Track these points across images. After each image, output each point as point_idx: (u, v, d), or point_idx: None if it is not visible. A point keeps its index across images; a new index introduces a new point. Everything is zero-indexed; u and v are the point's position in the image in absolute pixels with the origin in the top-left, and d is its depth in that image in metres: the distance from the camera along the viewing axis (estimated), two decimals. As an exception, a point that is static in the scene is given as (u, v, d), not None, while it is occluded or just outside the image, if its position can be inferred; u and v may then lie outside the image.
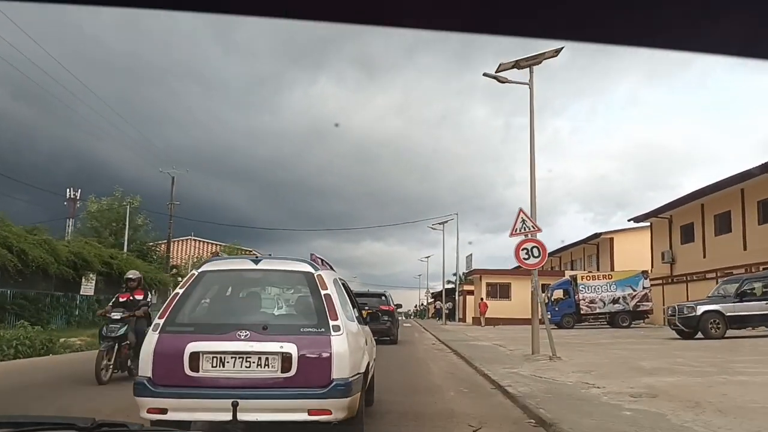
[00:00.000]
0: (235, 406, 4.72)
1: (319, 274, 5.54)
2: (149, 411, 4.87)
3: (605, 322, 32.34)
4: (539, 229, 14.51)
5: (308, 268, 5.64)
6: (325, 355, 4.97)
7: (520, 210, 14.65)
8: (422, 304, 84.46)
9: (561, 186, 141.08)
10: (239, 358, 4.95)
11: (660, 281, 34.72)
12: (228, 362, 4.94)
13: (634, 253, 41.19)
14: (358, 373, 5.33)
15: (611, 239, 46.62)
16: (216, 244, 72.11)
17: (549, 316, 32.53)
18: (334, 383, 4.89)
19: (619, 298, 31.81)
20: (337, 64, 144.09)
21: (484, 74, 15.77)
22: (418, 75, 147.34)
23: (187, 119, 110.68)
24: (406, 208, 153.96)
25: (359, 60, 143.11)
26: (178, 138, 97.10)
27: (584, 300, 31.93)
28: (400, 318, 28.34)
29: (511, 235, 14.63)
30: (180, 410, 4.87)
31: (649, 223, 40.54)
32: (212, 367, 4.92)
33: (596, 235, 46.79)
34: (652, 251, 39.91)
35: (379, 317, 19.40)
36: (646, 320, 33.07)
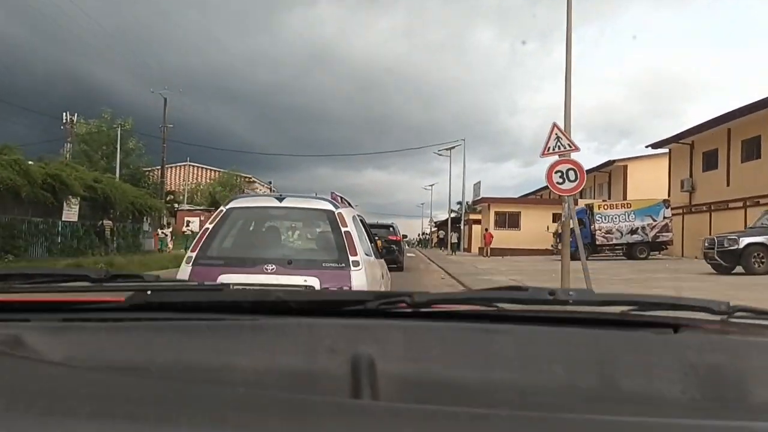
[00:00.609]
0: None
1: (340, 212, 5.77)
2: None
3: (621, 254, 30.31)
4: (576, 148, 12.14)
5: (329, 206, 5.86)
6: (345, 288, 5.17)
7: (554, 125, 12.22)
8: (425, 234, 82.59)
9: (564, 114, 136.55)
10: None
11: (680, 211, 32.52)
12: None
13: (649, 182, 38.76)
14: None
15: (625, 167, 44.11)
16: (214, 170, 69.79)
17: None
18: None
19: (637, 228, 29.65)
20: None
21: None
22: None
23: (183, 42, 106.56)
24: (409, 136, 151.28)
25: None
26: (175, 61, 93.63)
27: (600, 230, 29.78)
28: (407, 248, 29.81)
29: (543, 154, 12.26)
30: None
31: (667, 150, 37.95)
32: None
33: (609, 163, 44.29)
34: (670, 179, 37.43)
35: (394, 250, 19.41)
36: (663, 251, 31.04)
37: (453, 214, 75.00)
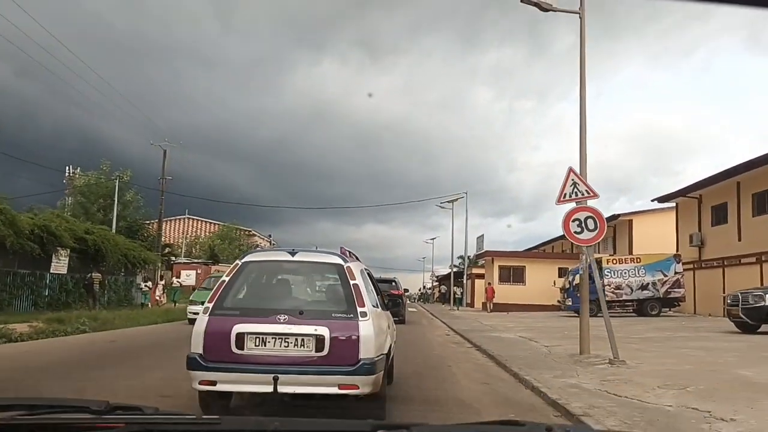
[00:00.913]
0: (275, 380, 5.41)
1: (348, 266, 6.13)
2: (201, 383, 5.60)
3: (631, 310, 29.04)
4: (595, 194, 11.17)
5: (338, 260, 6.25)
6: (353, 337, 5.60)
7: (570, 170, 11.31)
8: (426, 288, 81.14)
9: (564, 171, 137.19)
10: (279, 338, 5.61)
11: (690, 266, 31.38)
12: (269, 342, 5.61)
13: (656, 237, 37.79)
14: (382, 354, 5.92)
15: (630, 221, 43.19)
16: (213, 223, 68.98)
17: (570, 303, 29.33)
18: (362, 362, 5.52)
19: (648, 283, 28.46)
20: (339, 45, 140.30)
21: (523, 1, 12.31)
22: (420, 58, 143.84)
23: (188, 100, 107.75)
24: (409, 192, 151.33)
25: (362, 41, 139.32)
26: (180, 118, 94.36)
27: (609, 285, 28.56)
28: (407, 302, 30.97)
29: (559, 201, 11.29)
30: (227, 382, 5.61)
31: (674, 204, 37.12)
32: (255, 346, 5.59)
33: (614, 217, 43.32)
34: (678, 234, 36.44)
35: (399, 304, 20.78)
36: (674, 308, 29.74)
37: (455, 269, 73.74)
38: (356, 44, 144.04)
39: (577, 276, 30.16)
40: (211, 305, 5.82)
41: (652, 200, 38.27)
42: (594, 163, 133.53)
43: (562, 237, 53.09)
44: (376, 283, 7.74)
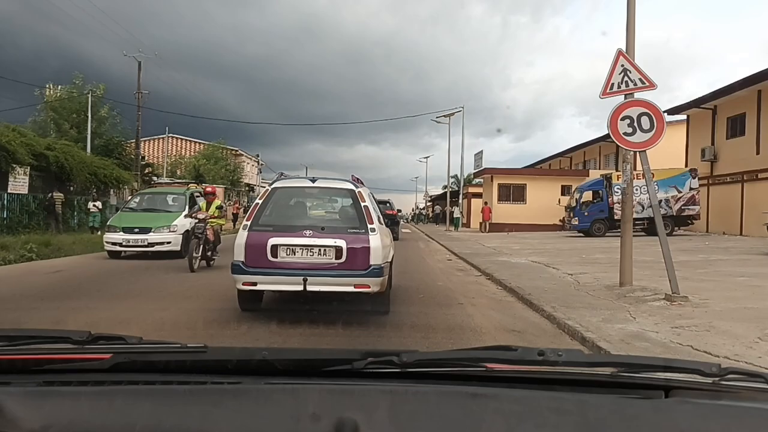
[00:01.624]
0: (305, 280, 6.67)
1: (359, 191, 7.42)
2: (244, 284, 6.88)
3: (640, 229, 26.88)
4: (651, 84, 8.61)
5: (351, 186, 7.54)
6: (365, 247, 6.80)
7: (619, 53, 8.71)
8: (419, 209, 78.81)
9: (558, 88, 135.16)
10: (305, 249, 6.81)
11: (703, 182, 29.11)
12: (297, 252, 6.81)
13: (662, 152, 34.66)
14: (387, 262, 7.18)
15: (635, 136, 40.63)
16: (197, 143, 65.80)
17: (577, 222, 27.16)
18: (372, 267, 6.77)
19: (661, 200, 26.16)
20: None
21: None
22: None
23: (172, 15, 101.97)
24: (400, 111, 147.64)
25: None
26: (164, 35, 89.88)
27: (619, 203, 26.32)
28: (401, 223, 33.24)
29: (604, 94, 8.75)
30: (265, 284, 6.93)
31: (684, 117, 34.48)
32: (287, 255, 6.80)
33: (618, 132, 40.76)
34: (688, 148, 34.01)
35: (398, 222, 23.59)
36: (685, 227, 27.64)
37: (450, 188, 71.36)
38: None
39: (585, 194, 27.94)
40: (249, 222, 6.99)
41: (663, 112, 35.52)
42: (586, 80, 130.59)
43: (563, 153, 50.54)
44: (377, 206, 8.47)
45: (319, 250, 6.79)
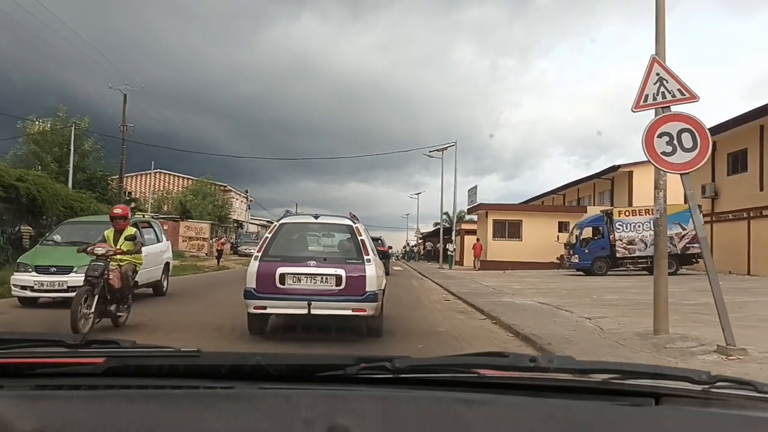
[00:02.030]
0: (309, 305, 7.49)
1: (356, 226, 8.30)
2: (255, 308, 7.68)
3: (643, 268, 25.53)
4: (692, 96, 7.32)
5: (349, 222, 8.42)
6: (362, 276, 7.66)
7: (653, 60, 7.44)
8: (410, 246, 77.12)
9: (546, 129, 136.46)
10: (310, 277, 7.66)
11: (706, 219, 27.90)
12: (303, 280, 7.66)
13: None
14: (380, 289, 8.02)
15: (630, 173, 39.53)
16: (185, 178, 64.33)
17: (577, 260, 25.75)
18: (368, 293, 7.63)
19: (664, 238, 24.96)
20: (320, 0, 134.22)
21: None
22: (403, 13, 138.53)
23: (165, 53, 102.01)
24: (391, 149, 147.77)
25: None
26: (157, 72, 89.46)
27: (621, 240, 25.03)
28: (393, 260, 34.71)
29: (637, 107, 7.45)
30: (274, 308, 7.72)
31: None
32: (293, 282, 7.65)
33: (612, 168, 39.74)
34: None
35: (389, 256, 24.91)
36: (688, 266, 26.30)
37: (438, 226, 69.94)
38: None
39: (585, 230, 26.66)
40: (259, 254, 7.88)
41: (707, 129, 34.59)
42: (573, 121, 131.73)
43: (556, 191, 49.48)
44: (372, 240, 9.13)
45: (322, 278, 7.68)
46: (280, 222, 8.50)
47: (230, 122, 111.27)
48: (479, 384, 1.33)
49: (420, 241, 63.04)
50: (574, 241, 26.16)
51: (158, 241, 14.48)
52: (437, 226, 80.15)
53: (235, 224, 67.99)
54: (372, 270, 7.75)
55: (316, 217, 8.61)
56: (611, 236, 25.14)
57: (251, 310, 7.73)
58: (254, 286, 7.66)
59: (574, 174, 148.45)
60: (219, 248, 31.14)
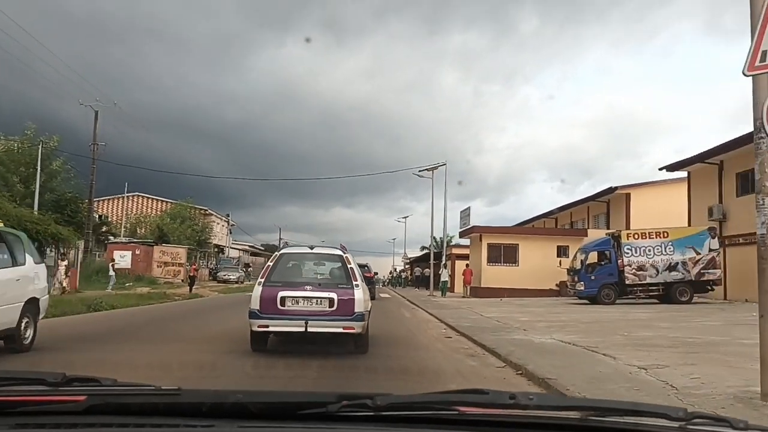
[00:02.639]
0: (306, 323, 8.46)
1: (346, 256, 9.34)
2: (259, 326, 8.61)
3: (655, 296, 23.20)
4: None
5: (340, 252, 9.49)
6: (351, 299, 8.65)
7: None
8: (397, 271, 74.35)
9: (530, 154, 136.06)
10: (306, 299, 8.65)
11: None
12: (300, 302, 8.64)
13: (658, 212, 32.10)
14: (367, 311, 9.04)
15: (627, 195, 37.65)
16: (164, 202, 61.46)
17: (583, 287, 23.35)
18: (356, 314, 8.60)
19: (677, 263, 22.63)
20: (305, 26, 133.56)
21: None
22: (387, 40, 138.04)
23: (150, 79, 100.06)
24: (375, 175, 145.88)
25: (327, 23, 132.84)
26: (142, 98, 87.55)
27: (630, 266, 22.72)
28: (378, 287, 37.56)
29: (751, 69, 5.12)
30: (275, 326, 8.65)
31: (685, 174, 31.57)
32: (292, 304, 8.61)
33: (609, 190, 37.79)
34: (690, 206, 30.88)
35: (373, 282, 25.45)
36: (703, 293, 24.00)
37: (426, 250, 67.15)
38: (322, 25, 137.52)
39: (591, 254, 24.39)
40: (263, 280, 8.90)
41: (660, 169, 32.47)
42: (558, 146, 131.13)
43: (547, 214, 47.28)
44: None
45: (317, 300, 8.61)
46: (281, 252, 10.00)
47: (216, 147, 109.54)
48: (459, 421, 1.33)
49: (407, 266, 60.36)
50: (578, 266, 23.84)
51: (15, 263, 8.93)
52: (424, 251, 77.46)
53: (216, 249, 65.18)
54: (360, 294, 8.74)
55: (312, 248, 9.98)
56: (619, 261, 22.85)
57: (255, 329, 8.66)
58: (258, 307, 8.59)
59: (558, 199, 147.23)
60: (191, 274, 28.46)
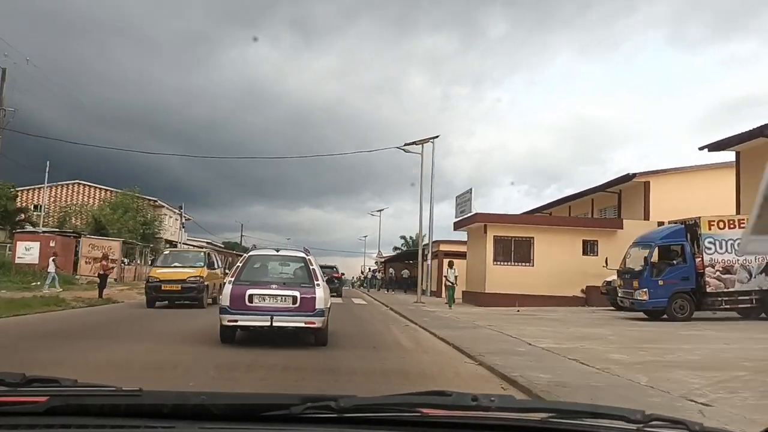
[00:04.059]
0: (271, 318, 9.18)
1: (309, 258, 10.12)
2: (228, 321, 9.27)
3: (745, 308, 16.05)
4: None
5: (303, 255, 10.30)
6: (312, 297, 9.32)
7: None
8: (371, 272, 65.75)
9: (498, 158, 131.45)
10: (272, 297, 9.33)
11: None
12: (266, 299, 9.30)
13: (685, 202, 25.16)
14: (327, 308, 9.74)
15: (646, 183, 30.61)
16: (108, 191, 52.70)
17: (646, 297, 15.71)
18: (317, 310, 9.29)
19: (763, 269, 15.71)
20: (273, 25, 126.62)
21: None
22: (356, 41, 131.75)
23: (117, 76, 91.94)
24: (344, 174, 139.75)
25: (296, 22, 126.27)
26: (108, 95, 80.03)
27: (713, 266, 15.70)
28: (348, 288, 42.41)
29: None
30: (244, 321, 9.30)
31: (733, 155, 24.65)
32: (259, 301, 9.28)
33: (626, 178, 30.64)
34: (740, 193, 24.02)
35: (334, 281, 25.43)
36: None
37: (401, 251, 59.57)
38: (290, 25, 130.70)
39: (655, 250, 17.36)
40: (233, 279, 9.60)
41: (701, 148, 25.52)
42: (525, 151, 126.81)
43: (544, 208, 40.35)
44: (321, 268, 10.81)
45: (282, 297, 9.36)
46: (249, 254, 10.63)
47: (182, 146, 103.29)
48: (422, 423, 1.31)
49: (381, 265, 52.27)
50: (631, 265, 16.73)
51: None
52: (397, 251, 69.68)
53: (168, 245, 56.88)
54: (321, 292, 9.46)
55: (278, 250, 11.14)
56: (697, 260, 15.79)
57: (225, 323, 9.31)
58: (228, 304, 9.25)
59: (526, 203, 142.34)
60: (102, 272, 20.59)
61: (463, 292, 25.46)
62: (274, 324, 9.09)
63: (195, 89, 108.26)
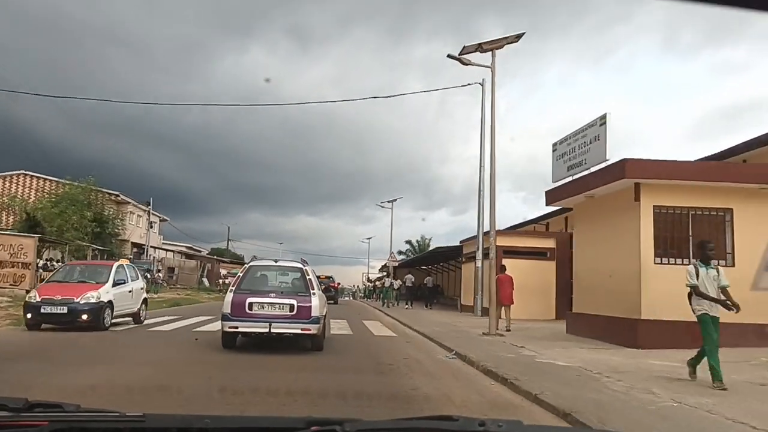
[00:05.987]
0: (270, 325, 9.36)
1: (306, 268, 10.35)
2: (229, 327, 9.53)
3: None
4: None
5: (300, 265, 10.52)
6: (308, 305, 9.55)
7: None
8: (372, 281, 53.72)
9: (497, 164, 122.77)
10: (271, 305, 9.50)
11: None
12: (265, 307, 9.48)
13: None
14: (323, 315, 10.16)
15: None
16: (62, 183, 40.46)
17: None
18: (313, 317, 9.51)
19: None
20: (269, 33, 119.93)
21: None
22: (352, 49, 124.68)
23: (112, 84, 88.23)
24: (341, 182, 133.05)
25: (293, 30, 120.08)
26: (106, 103, 71.89)
27: None
28: (348, 300, 47.44)
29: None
30: (244, 327, 9.51)
31: None
32: (258, 309, 9.47)
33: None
34: None
35: (330, 290, 28.78)
36: None
37: (396, 262, 49.39)
38: (286, 33, 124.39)
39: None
40: (234, 288, 9.92)
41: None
42: (522, 157, 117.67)
43: (543, 217, 26.52)
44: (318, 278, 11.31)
45: (280, 305, 9.50)
46: (250, 264, 10.86)
47: (179, 154, 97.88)
48: None
49: (391, 269, 39.70)
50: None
51: None
52: (402, 256, 58.03)
53: (135, 249, 45.16)
54: (316, 301, 9.68)
55: (276, 261, 11.24)
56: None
57: (226, 329, 9.58)
58: (229, 311, 9.50)
59: (524, 211, 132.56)
60: None
61: (571, 314, 13.84)
62: (273, 330, 9.37)
63: (192, 96, 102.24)
